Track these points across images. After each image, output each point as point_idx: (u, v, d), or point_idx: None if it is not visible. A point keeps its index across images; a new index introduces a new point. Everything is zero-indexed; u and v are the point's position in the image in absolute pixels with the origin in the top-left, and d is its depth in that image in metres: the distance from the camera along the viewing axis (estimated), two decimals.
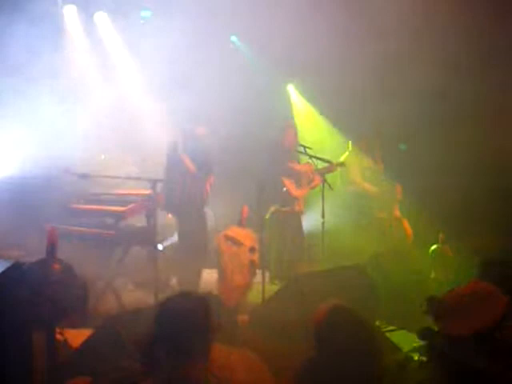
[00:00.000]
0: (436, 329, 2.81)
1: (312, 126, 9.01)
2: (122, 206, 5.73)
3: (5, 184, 6.59)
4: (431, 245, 6.86)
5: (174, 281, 6.66)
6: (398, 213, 7.36)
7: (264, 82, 8.46)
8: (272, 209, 6.67)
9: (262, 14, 7.60)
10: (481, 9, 7.12)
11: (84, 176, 5.38)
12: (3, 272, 3.60)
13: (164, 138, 6.77)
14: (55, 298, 3.80)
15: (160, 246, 6.58)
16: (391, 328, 4.99)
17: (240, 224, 6.02)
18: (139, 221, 5.84)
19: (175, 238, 6.76)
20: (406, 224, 7.29)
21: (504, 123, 7.32)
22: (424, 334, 2.90)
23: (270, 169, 6.72)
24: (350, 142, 7.83)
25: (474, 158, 7.52)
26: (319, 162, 6.79)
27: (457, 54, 7.40)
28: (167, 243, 7.05)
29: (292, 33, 7.63)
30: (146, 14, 8.20)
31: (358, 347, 2.53)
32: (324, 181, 6.48)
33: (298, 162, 6.90)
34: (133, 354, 2.85)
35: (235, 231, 5.88)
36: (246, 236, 5.81)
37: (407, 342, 4.17)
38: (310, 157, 6.71)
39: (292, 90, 9.34)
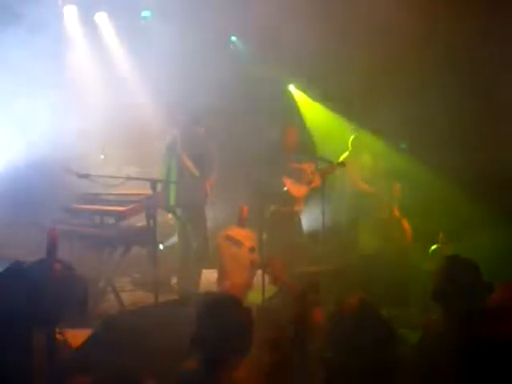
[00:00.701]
0: None
1: (321, 121, 9.04)
2: (122, 206, 5.72)
3: (5, 184, 6.60)
4: (431, 245, 6.86)
5: (174, 281, 6.66)
6: (397, 212, 7.36)
7: (264, 81, 8.46)
8: (272, 209, 6.67)
9: (261, 14, 7.60)
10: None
11: (84, 176, 5.37)
12: (3, 272, 3.60)
13: (164, 137, 6.77)
14: (55, 297, 3.80)
15: (160, 246, 6.58)
16: None
17: (240, 224, 6.02)
18: (139, 221, 5.84)
19: (175, 238, 6.76)
20: (406, 224, 7.28)
21: (506, 123, 7.34)
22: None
23: (271, 169, 6.72)
24: (351, 140, 7.84)
25: (476, 157, 7.53)
26: (319, 161, 6.79)
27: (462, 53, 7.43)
28: (167, 243, 7.05)
29: (292, 32, 7.63)
30: (146, 13, 8.20)
31: (380, 342, 2.48)
32: (324, 181, 6.49)
33: (299, 162, 6.90)
34: (133, 353, 2.85)
35: (235, 231, 5.89)
36: (246, 236, 5.81)
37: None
38: (311, 157, 6.72)
39: (293, 89, 9.35)
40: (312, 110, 9.20)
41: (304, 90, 9.22)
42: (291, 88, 9.34)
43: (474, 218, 7.42)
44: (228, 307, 2.66)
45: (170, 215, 6.71)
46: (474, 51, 7.38)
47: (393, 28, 7.26)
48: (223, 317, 2.61)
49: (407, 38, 7.38)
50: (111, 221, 5.69)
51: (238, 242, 5.73)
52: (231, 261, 5.70)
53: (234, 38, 8.87)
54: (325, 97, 8.72)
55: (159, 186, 5.37)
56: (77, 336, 4.16)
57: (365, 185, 7.57)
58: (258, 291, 5.61)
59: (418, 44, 7.57)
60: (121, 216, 5.64)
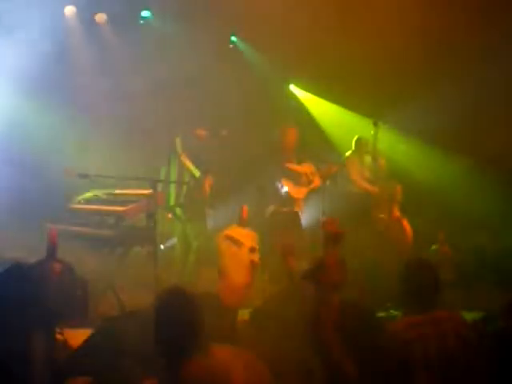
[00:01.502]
0: None
1: (330, 116, 9.06)
2: (122, 205, 5.72)
3: (5, 184, 6.60)
4: (431, 245, 6.86)
5: (174, 281, 6.66)
6: (397, 213, 7.35)
7: (265, 81, 8.46)
8: (272, 209, 6.67)
9: (261, 14, 7.60)
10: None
11: (84, 176, 5.38)
12: (3, 272, 3.60)
13: (164, 138, 6.77)
14: (55, 298, 3.80)
15: (161, 246, 6.59)
16: None
17: (240, 224, 6.02)
18: (139, 221, 5.84)
19: (175, 239, 6.76)
20: (406, 224, 7.27)
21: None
22: None
23: (270, 169, 6.72)
24: (354, 140, 7.82)
25: (476, 156, 7.54)
26: (320, 162, 6.80)
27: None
28: (168, 243, 7.05)
29: (292, 31, 7.64)
30: (146, 13, 8.20)
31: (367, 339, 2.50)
32: (324, 181, 6.50)
33: (299, 163, 6.91)
34: (132, 353, 2.85)
35: (235, 231, 5.87)
36: (246, 236, 5.80)
37: None
38: (311, 157, 6.73)
39: (294, 88, 9.35)
40: (319, 107, 9.22)
41: (307, 89, 9.22)
42: (292, 88, 9.34)
43: (474, 218, 7.43)
44: (169, 298, 2.68)
45: (170, 215, 6.72)
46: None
47: (394, 24, 7.28)
48: (167, 309, 2.63)
49: (409, 34, 7.38)
50: (111, 221, 5.69)
51: (238, 242, 5.71)
52: (231, 260, 5.68)
53: (234, 38, 8.86)
54: (329, 94, 8.75)
55: (159, 186, 5.37)
56: (77, 336, 4.16)
57: (366, 184, 7.53)
58: (258, 291, 5.62)
59: (420, 38, 7.57)
60: (121, 216, 5.64)
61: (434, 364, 2.90)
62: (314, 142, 8.07)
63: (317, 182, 6.73)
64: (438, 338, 2.95)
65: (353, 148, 7.76)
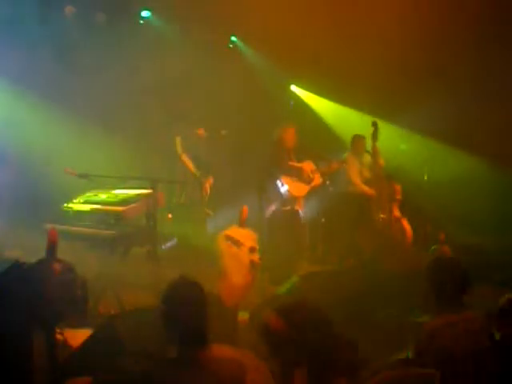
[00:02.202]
0: None
1: (332, 115, 9.09)
2: (122, 205, 5.72)
3: (5, 184, 6.60)
4: (431, 245, 6.86)
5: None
6: (397, 213, 7.35)
7: (265, 81, 8.47)
8: (272, 208, 6.67)
9: (262, 14, 7.61)
10: None
11: (84, 176, 5.38)
12: (3, 272, 3.60)
13: (164, 138, 6.77)
14: (55, 297, 3.80)
15: (162, 247, 6.59)
16: None
17: (240, 224, 6.02)
18: (139, 221, 5.84)
19: (175, 240, 6.76)
20: (406, 224, 7.27)
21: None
22: None
23: (271, 168, 6.73)
24: (351, 140, 7.81)
25: (477, 156, 7.54)
26: (320, 160, 6.81)
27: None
28: (168, 244, 7.05)
29: (292, 32, 7.64)
30: (145, 13, 8.20)
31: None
32: (325, 180, 6.51)
33: (299, 162, 6.91)
34: (133, 353, 2.85)
35: (235, 231, 5.87)
36: (246, 236, 5.79)
37: None
38: (311, 156, 6.73)
39: (295, 89, 9.36)
40: (321, 106, 9.24)
41: (308, 88, 9.23)
42: (293, 88, 9.35)
43: (475, 217, 7.43)
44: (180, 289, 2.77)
45: (170, 215, 6.72)
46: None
47: (396, 23, 7.29)
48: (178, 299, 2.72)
49: (412, 32, 7.40)
50: (111, 221, 5.69)
51: (238, 242, 5.71)
52: (231, 261, 5.68)
53: (234, 38, 8.87)
54: (330, 93, 8.76)
55: (159, 186, 5.38)
56: (77, 336, 4.16)
57: (365, 186, 7.51)
58: (258, 291, 5.61)
59: (423, 37, 7.59)
60: (121, 216, 5.64)
61: (467, 362, 2.92)
62: (316, 140, 8.07)
63: (317, 180, 6.74)
64: (470, 337, 2.97)
65: (350, 147, 7.76)
